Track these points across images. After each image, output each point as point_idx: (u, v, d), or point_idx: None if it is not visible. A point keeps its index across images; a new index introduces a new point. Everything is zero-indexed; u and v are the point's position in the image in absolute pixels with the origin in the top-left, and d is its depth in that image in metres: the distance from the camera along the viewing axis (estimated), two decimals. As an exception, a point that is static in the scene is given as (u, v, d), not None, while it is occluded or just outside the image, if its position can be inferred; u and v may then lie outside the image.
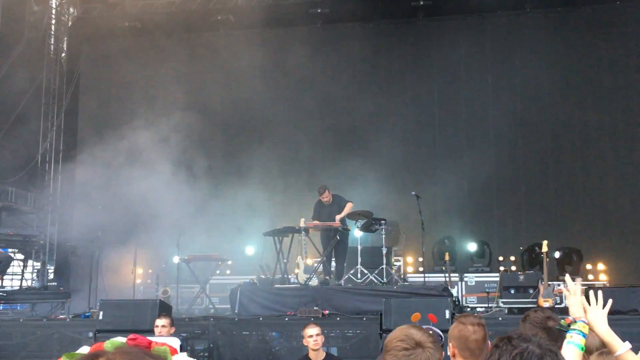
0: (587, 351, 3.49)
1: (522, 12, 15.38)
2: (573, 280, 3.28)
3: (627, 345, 2.95)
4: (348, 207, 11.62)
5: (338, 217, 11.43)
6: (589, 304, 3.11)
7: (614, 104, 14.90)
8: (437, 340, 3.87)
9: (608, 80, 14.98)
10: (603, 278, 13.12)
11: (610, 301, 3.12)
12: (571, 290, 3.15)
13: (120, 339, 1.26)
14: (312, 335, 6.95)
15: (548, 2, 15.23)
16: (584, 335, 2.97)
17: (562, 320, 3.10)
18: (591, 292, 3.18)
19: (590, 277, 13.11)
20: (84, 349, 1.23)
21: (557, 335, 3.21)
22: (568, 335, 2.98)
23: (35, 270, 14.81)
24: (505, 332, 2.26)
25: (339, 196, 11.93)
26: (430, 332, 3.95)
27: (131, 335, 1.26)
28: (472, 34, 15.69)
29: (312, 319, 8.64)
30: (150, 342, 1.28)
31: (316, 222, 11.61)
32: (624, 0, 15.03)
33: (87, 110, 16.73)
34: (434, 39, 15.95)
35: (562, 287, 11.38)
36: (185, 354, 1.38)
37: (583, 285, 11.44)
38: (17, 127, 14.66)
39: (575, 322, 3.01)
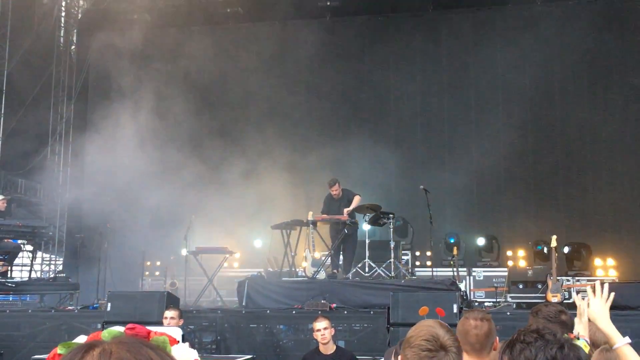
0: (595, 345, 3.48)
1: (533, 4, 15.29)
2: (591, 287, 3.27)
3: (626, 339, 2.96)
4: (356, 200, 11.58)
5: (346, 210, 11.41)
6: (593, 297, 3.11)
7: (625, 99, 14.79)
8: None
9: (620, 75, 14.87)
10: (612, 273, 13.05)
11: (612, 294, 3.13)
12: (580, 312, 3.16)
13: (119, 329, 1.24)
14: (320, 329, 6.92)
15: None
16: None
17: (565, 334, 3.10)
18: (596, 284, 3.19)
19: (600, 272, 13.05)
20: (81, 339, 1.22)
21: (570, 330, 3.20)
22: None
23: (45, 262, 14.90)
24: (513, 327, 2.18)
25: (348, 190, 11.89)
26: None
27: (129, 325, 1.24)
28: (482, 27, 15.63)
29: (320, 312, 8.63)
30: (149, 332, 1.26)
31: (324, 215, 11.59)
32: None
33: (97, 102, 16.77)
34: (444, 32, 15.89)
35: (572, 284, 11.33)
36: (187, 344, 1.36)
37: (590, 281, 11.40)
38: (27, 119, 14.71)
39: (577, 339, 3.02)
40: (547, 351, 1.95)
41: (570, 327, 3.26)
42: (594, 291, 3.14)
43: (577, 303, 3.24)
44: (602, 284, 3.19)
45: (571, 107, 15.07)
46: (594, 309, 3.09)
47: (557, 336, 2.00)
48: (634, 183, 14.51)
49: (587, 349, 2.99)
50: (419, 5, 15.78)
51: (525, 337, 2.02)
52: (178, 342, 1.28)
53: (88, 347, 1.12)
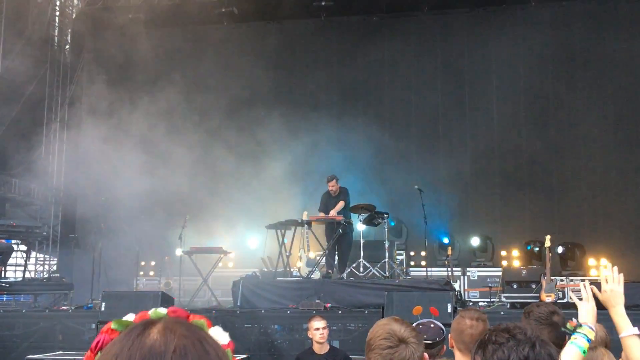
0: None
1: (527, 5, 15.32)
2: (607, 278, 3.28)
3: (635, 329, 2.94)
4: (339, 205, 11.57)
5: (332, 212, 11.41)
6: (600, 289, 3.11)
7: (619, 99, 14.85)
8: (438, 333, 3.89)
9: (614, 75, 14.92)
10: (606, 273, 13.08)
11: (622, 275, 3.17)
12: (584, 297, 3.15)
13: (163, 310, 1.31)
14: (319, 328, 6.87)
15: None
16: (589, 340, 2.94)
17: (568, 324, 3.08)
18: (608, 268, 3.23)
19: (594, 272, 13.09)
20: (130, 316, 1.28)
21: (563, 332, 3.20)
22: (572, 337, 2.96)
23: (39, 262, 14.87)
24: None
25: (344, 191, 11.85)
26: (432, 325, 3.97)
27: (171, 308, 1.31)
28: (476, 26, 15.65)
29: (315, 312, 8.63)
30: (188, 315, 1.35)
31: (321, 214, 11.61)
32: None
33: (91, 102, 16.73)
34: (438, 32, 15.92)
35: (566, 283, 11.35)
36: (219, 327, 1.44)
37: (582, 280, 11.44)
38: (21, 119, 14.69)
39: (581, 326, 3.00)
40: (519, 351, 1.97)
41: (561, 330, 3.26)
42: (605, 277, 3.14)
43: (583, 290, 3.22)
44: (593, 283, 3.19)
45: (565, 107, 15.12)
46: (609, 291, 3.08)
47: (527, 334, 2.03)
48: (628, 183, 14.57)
49: (592, 335, 2.98)
50: (413, 6, 15.80)
51: (497, 337, 2.03)
52: (212, 325, 1.40)
53: (149, 323, 1.19)
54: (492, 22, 15.58)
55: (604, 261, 13.34)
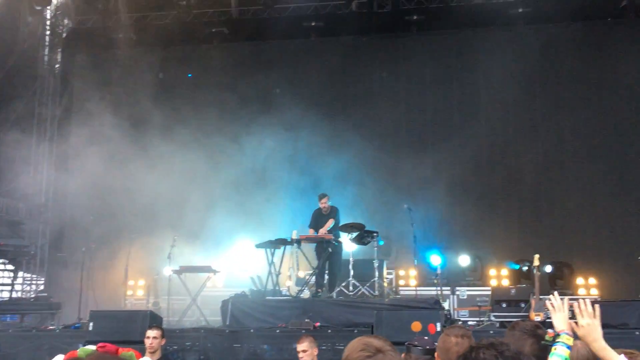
0: None
1: (514, 27, 15.48)
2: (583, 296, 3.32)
3: (621, 357, 2.98)
4: (328, 223, 11.61)
5: (322, 230, 11.45)
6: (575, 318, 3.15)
7: (606, 119, 14.99)
8: (432, 344, 3.95)
9: (600, 96, 15.07)
10: (594, 292, 13.15)
11: (597, 306, 3.15)
12: (556, 306, 3.21)
13: (92, 347, 1.33)
14: (299, 352, 6.87)
15: (542, 18, 15.31)
16: (569, 347, 3.01)
17: (547, 335, 3.14)
18: (578, 303, 3.20)
19: (582, 291, 13.14)
20: (59, 358, 1.29)
21: (545, 345, 3.23)
22: (553, 347, 3.02)
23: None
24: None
25: (335, 210, 11.90)
26: (426, 337, 4.05)
27: (100, 344, 1.34)
28: (466, 47, 15.80)
29: (303, 332, 8.60)
30: (117, 349, 1.37)
31: (310, 232, 11.63)
32: (615, 17, 15.17)
33: (80, 121, 16.71)
34: (427, 52, 16.05)
35: (547, 303, 11.38)
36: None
37: (571, 299, 11.47)
38: (9, 137, 14.64)
39: (559, 335, 3.05)
40: None
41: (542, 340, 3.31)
42: (580, 311, 3.14)
43: (553, 300, 3.27)
44: (592, 303, 3.21)
45: (553, 126, 15.24)
46: (585, 332, 3.09)
47: (512, 350, 2.03)
48: (616, 203, 14.65)
49: (570, 341, 3.02)
50: (402, 27, 15.92)
51: (485, 355, 2.02)
52: (142, 356, 1.42)
53: None
54: (480, 42, 15.71)
55: (592, 280, 13.41)
